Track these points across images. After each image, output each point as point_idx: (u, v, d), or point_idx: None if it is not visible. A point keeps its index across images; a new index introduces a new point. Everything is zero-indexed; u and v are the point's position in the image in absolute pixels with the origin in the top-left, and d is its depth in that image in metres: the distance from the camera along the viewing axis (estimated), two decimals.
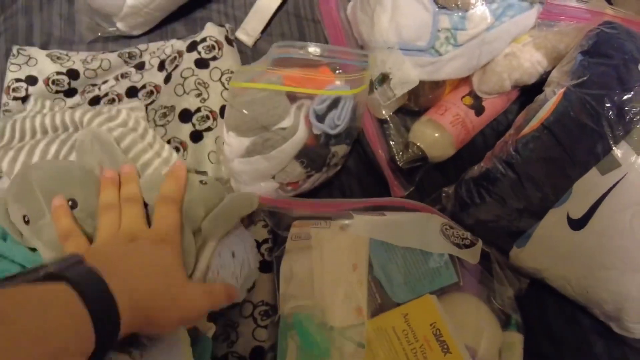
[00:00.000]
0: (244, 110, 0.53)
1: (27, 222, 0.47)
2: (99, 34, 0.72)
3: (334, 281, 0.52)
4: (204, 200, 0.50)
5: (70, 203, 0.46)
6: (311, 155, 0.56)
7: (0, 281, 0.31)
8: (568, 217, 0.49)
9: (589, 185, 0.48)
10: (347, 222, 0.55)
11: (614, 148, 0.47)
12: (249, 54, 0.72)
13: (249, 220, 0.59)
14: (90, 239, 0.46)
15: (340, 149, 0.58)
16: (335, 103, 0.54)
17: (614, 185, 0.47)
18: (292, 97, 0.55)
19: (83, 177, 0.49)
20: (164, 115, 0.64)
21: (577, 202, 0.49)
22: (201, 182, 0.52)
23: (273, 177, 0.57)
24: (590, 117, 0.48)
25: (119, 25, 0.71)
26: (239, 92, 0.55)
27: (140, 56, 0.71)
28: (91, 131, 0.53)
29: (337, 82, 0.54)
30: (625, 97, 0.47)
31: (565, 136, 0.49)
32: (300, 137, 0.54)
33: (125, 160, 0.53)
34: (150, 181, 0.51)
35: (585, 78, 0.49)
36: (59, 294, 0.31)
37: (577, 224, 0.49)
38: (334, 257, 0.53)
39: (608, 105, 0.47)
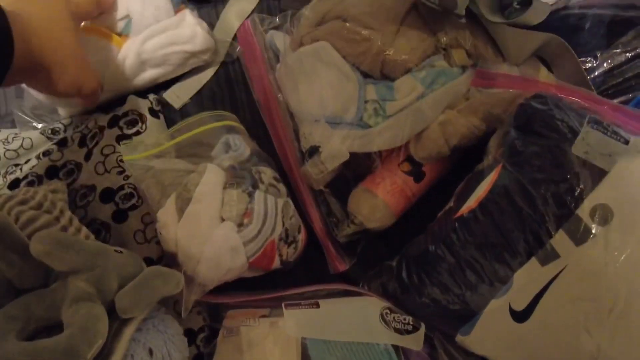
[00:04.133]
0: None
1: None
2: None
3: None
4: (118, 268, 0.46)
5: None
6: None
7: None
8: (510, 309, 0.46)
9: (529, 276, 0.44)
10: (277, 319, 0.51)
11: (552, 237, 0.43)
12: (175, 116, 0.68)
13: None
14: None
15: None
16: (225, 144, 0.56)
17: (555, 278, 0.43)
18: None
19: None
20: (84, 195, 0.60)
21: (518, 293, 0.45)
22: (116, 250, 0.48)
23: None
24: (526, 202, 0.44)
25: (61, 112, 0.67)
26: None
27: (64, 131, 0.66)
28: None
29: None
30: (561, 183, 0.43)
31: (502, 220, 0.46)
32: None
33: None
34: None
35: (520, 158, 0.45)
36: None
37: (520, 317, 0.45)
38: None
39: (544, 190, 0.43)
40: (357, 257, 0.60)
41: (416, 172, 0.57)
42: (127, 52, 0.62)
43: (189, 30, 0.63)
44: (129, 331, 0.45)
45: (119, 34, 0.63)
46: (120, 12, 0.62)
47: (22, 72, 0.46)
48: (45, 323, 0.46)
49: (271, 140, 0.64)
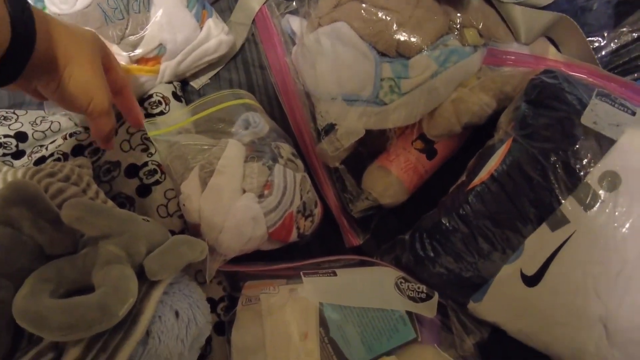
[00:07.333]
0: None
1: None
2: None
3: (286, 352, 0.50)
4: (146, 234, 0.48)
5: None
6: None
7: None
8: (522, 274, 0.48)
9: (540, 241, 0.46)
10: (296, 286, 0.53)
11: (562, 204, 0.45)
12: (194, 98, 0.71)
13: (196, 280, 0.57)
14: None
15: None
16: (245, 121, 0.58)
17: (564, 243, 0.45)
18: None
19: None
20: (108, 171, 0.62)
21: (529, 258, 0.47)
22: (143, 219, 0.50)
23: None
24: (537, 171, 0.46)
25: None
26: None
27: None
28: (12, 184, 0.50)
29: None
30: (570, 152, 0.45)
31: (513, 190, 0.48)
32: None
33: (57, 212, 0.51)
34: None
35: (530, 130, 0.47)
36: None
37: (531, 281, 0.47)
38: (284, 327, 0.51)
39: (554, 159, 0.45)
40: (371, 232, 0.62)
41: (429, 149, 0.59)
42: (164, 73, 0.66)
43: (215, 41, 0.68)
44: (157, 293, 0.47)
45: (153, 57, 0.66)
46: (153, 43, 0.64)
47: (36, 68, 0.45)
48: (75, 286, 0.48)
49: (287, 122, 0.66)
